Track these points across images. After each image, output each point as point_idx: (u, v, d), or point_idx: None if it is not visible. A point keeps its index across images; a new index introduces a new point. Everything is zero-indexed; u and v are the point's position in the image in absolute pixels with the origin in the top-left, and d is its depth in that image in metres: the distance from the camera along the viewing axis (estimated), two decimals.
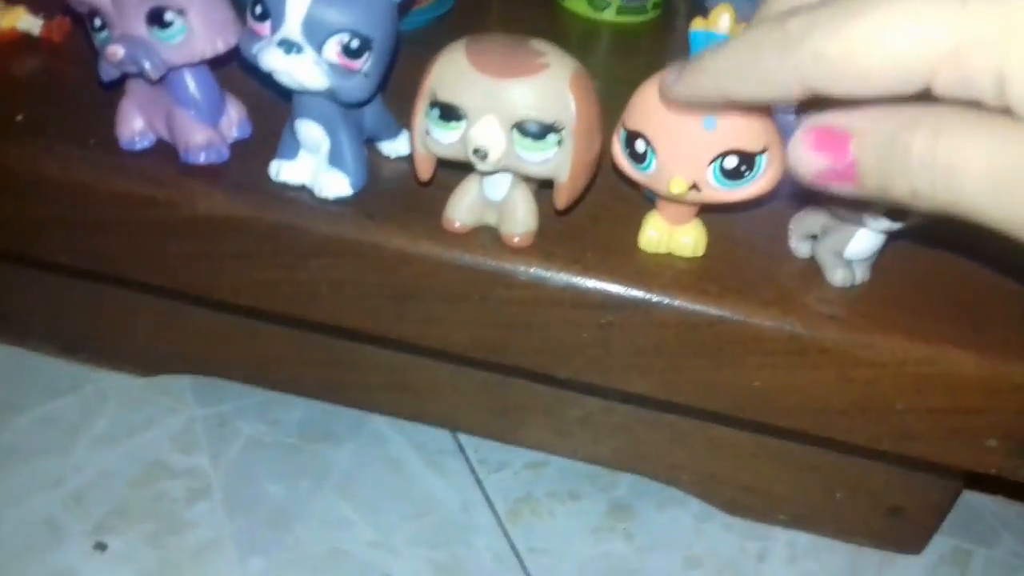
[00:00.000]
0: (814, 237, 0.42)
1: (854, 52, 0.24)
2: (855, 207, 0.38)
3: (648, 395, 0.43)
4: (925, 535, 0.58)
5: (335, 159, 0.41)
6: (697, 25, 0.38)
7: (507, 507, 0.58)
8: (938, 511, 0.57)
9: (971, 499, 0.62)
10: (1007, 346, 0.39)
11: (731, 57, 0.28)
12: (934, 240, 0.44)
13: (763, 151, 0.37)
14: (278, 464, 0.58)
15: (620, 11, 0.62)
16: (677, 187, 0.37)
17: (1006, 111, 0.23)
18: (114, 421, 0.59)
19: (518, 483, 0.59)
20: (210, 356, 0.60)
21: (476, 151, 0.37)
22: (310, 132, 0.41)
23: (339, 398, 0.61)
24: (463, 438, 0.61)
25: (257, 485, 0.57)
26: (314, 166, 0.42)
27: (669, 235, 0.41)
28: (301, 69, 0.37)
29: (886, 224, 0.38)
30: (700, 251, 0.41)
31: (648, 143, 0.37)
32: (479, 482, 0.59)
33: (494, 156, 0.37)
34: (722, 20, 0.38)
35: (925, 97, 0.24)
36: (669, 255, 0.41)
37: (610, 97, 0.39)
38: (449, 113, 0.37)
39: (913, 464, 0.51)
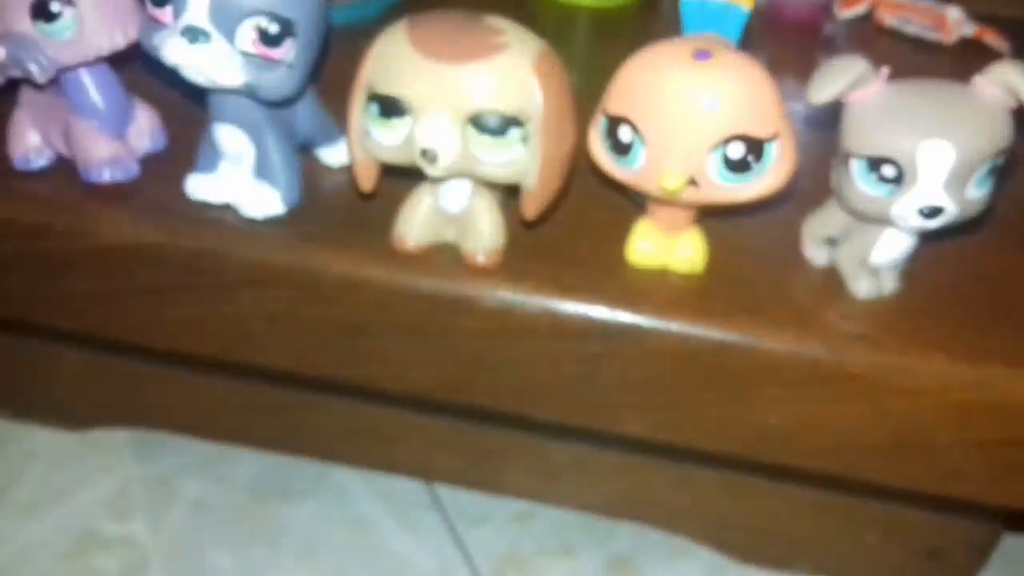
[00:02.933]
0: (833, 242, 0.35)
1: None
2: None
3: (645, 437, 0.36)
4: None
5: (262, 171, 0.35)
6: None
7: (491, 566, 0.51)
8: (980, 552, 0.50)
9: (1016, 539, 0.55)
10: None
11: None
12: (973, 239, 0.37)
13: (773, 137, 0.31)
14: (226, 529, 0.51)
15: None
16: (671, 181, 0.31)
17: None
18: (40, 484, 0.52)
19: (502, 538, 0.52)
20: (147, 406, 0.54)
21: (424, 153, 0.30)
22: (231, 139, 0.34)
23: (294, 448, 0.54)
24: (439, 489, 0.54)
25: (203, 555, 0.50)
26: (238, 180, 0.35)
27: (663, 247, 0.35)
28: (210, 61, 0.31)
29: (919, 221, 0.32)
30: (700, 265, 0.35)
31: (635, 130, 0.31)
32: (458, 539, 0.52)
33: (446, 159, 0.30)
34: None
35: None
36: (663, 271, 0.35)
37: (590, 90, 0.33)
38: (390, 108, 0.30)
39: (953, 502, 0.44)
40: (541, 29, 0.32)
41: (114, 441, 0.55)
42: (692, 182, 0.31)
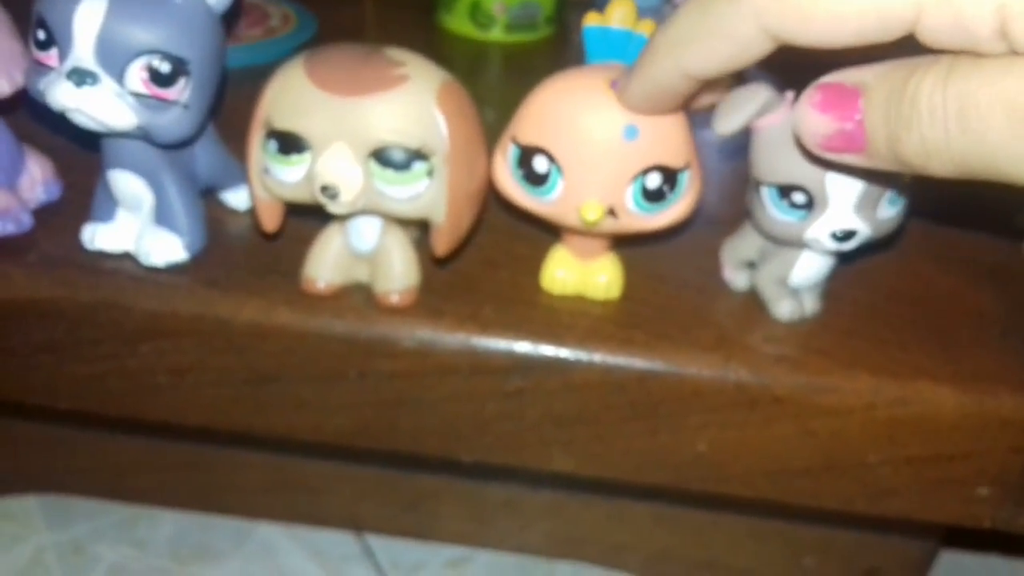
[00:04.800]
0: (751, 265, 0.35)
1: None
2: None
3: (575, 473, 0.35)
4: None
5: (163, 217, 0.33)
6: (591, 20, 0.31)
7: None
8: (918, 570, 0.50)
9: (953, 555, 0.55)
10: (989, 374, 0.33)
11: (682, 21, 0.25)
12: (890, 256, 0.37)
13: (686, 167, 0.30)
14: None
15: (509, 29, 0.56)
16: (592, 212, 0.30)
17: (1008, 54, 0.20)
18: None
19: None
20: (57, 470, 0.51)
21: (325, 189, 0.29)
22: (127, 185, 0.33)
23: (215, 506, 0.52)
24: (370, 539, 0.53)
25: None
26: (138, 228, 0.34)
27: (580, 273, 0.34)
28: (98, 104, 0.29)
29: (833, 244, 0.31)
30: (617, 291, 0.34)
31: (552, 160, 0.30)
32: None
33: (348, 194, 0.29)
34: (617, 13, 0.31)
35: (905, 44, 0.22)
36: (581, 299, 0.34)
37: (503, 125, 0.32)
38: (289, 144, 0.29)
39: (888, 521, 0.44)
40: (453, 65, 0.31)
41: (25, 508, 0.52)
42: (611, 212, 0.31)
